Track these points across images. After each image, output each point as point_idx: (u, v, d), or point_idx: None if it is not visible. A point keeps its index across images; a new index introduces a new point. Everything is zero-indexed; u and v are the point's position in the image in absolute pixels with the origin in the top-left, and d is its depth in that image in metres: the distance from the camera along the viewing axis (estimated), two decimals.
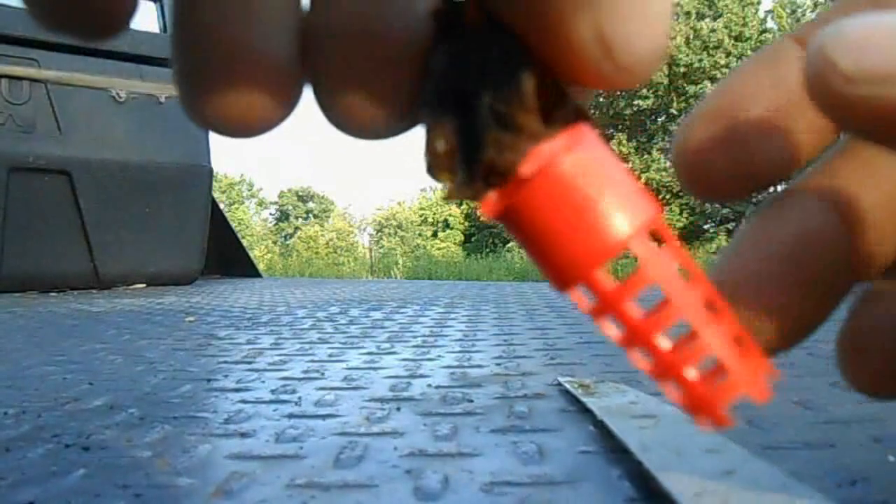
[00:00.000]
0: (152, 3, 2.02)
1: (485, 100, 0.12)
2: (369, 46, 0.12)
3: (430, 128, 0.13)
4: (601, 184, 0.13)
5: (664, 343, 0.13)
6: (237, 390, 0.49)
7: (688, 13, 14.56)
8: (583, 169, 0.13)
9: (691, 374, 0.13)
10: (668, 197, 13.91)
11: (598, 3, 0.12)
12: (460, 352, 0.64)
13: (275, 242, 19.56)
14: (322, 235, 18.70)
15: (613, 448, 0.32)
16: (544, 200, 0.13)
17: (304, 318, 1.00)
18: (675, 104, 14.58)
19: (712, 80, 14.15)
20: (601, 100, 15.27)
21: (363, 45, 0.12)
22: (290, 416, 0.40)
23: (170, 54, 0.13)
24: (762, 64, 0.19)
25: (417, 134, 0.14)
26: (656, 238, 0.13)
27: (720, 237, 12.50)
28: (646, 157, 14.73)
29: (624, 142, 15.05)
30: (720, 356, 0.13)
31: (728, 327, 0.14)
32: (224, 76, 0.12)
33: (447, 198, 0.13)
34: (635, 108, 14.85)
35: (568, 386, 0.45)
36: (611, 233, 0.13)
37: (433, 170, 0.13)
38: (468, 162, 0.13)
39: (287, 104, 0.13)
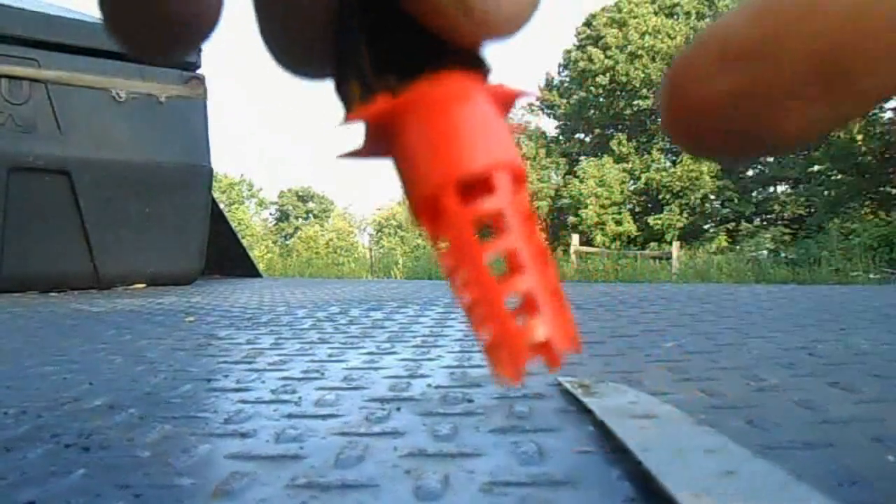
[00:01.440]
0: None
1: (361, 44, 0.15)
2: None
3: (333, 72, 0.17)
4: (463, 120, 0.15)
5: (491, 270, 0.14)
6: (237, 390, 0.49)
7: (688, 13, 14.56)
8: (448, 104, 0.15)
9: (507, 303, 0.14)
10: (668, 197, 13.90)
11: None
12: (460, 352, 0.64)
13: (275, 242, 19.54)
14: (322, 235, 18.68)
15: (613, 448, 0.32)
16: (411, 126, 0.15)
17: (304, 318, 1.00)
18: None
19: None
20: (601, 100, 15.27)
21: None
22: (290, 416, 0.40)
23: None
24: None
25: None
26: (514, 181, 0.15)
27: (720, 237, 12.50)
28: (646, 157, 14.72)
29: (624, 142, 15.05)
30: (535, 295, 0.14)
31: (551, 278, 0.15)
32: None
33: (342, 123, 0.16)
34: (635, 108, 14.84)
35: (568, 386, 0.45)
36: (463, 161, 0.14)
37: (338, 95, 0.17)
38: (351, 92, 0.16)
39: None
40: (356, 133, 0.16)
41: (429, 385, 0.49)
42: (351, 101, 0.16)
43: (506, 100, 0.16)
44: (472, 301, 0.15)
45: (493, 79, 0.16)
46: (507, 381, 0.14)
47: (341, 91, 0.17)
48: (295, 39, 0.17)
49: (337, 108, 0.17)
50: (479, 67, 0.16)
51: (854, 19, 0.13)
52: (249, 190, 22.47)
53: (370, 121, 0.15)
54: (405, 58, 0.15)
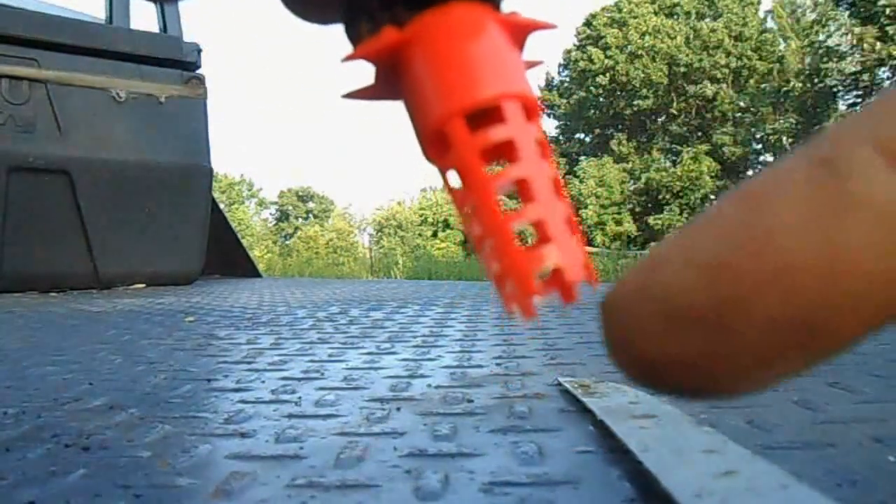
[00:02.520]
0: (152, 4, 2.02)
1: None
2: None
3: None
4: (471, 49, 0.14)
5: (498, 199, 0.14)
6: (237, 390, 0.49)
7: (688, 13, 14.55)
8: (456, 34, 0.14)
9: (516, 231, 0.14)
10: (668, 197, 13.90)
11: None
12: (460, 352, 0.64)
13: (275, 242, 19.56)
14: (322, 235, 18.69)
15: (613, 448, 0.32)
16: (418, 58, 0.14)
17: (304, 318, 1.00)
18: (675, 104, 14.57)
19: (712, 80, 14.14)
20: (601, 100, 15.27)
21: None
22: (290, 416, 0.40)
23: None
24: None
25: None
26: (526, 112, 0.14)
27: None
28: (646, 157, 14.72)
29: (624, 142, 15.05)
30: (548, 224, 0.14)
31: (564, 209, 0.14)
32: None
33: (346, 59, 0.16)
34: (635, 108, 14.84)
35: (568, 386, 0.45)
36: (471, 90, 0.14)
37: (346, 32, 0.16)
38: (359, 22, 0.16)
39: None
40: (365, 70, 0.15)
41: (429, 385, 0.49)
42: (361, 40, 0.16)
43: (519, 30, 0.15)
44: (482, 233, 0.14)
45: (506, 7, 0.15)
46: (519, 316, 0.14)
47: (351, 33, 0.16)
48: None
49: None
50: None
51: (834, 272, 0.10)
52: (249, 190, 22.47)
53: (376, 56, 0.15)
54: None
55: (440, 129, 0.14)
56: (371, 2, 0.15)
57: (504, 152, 0.14)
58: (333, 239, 18.46)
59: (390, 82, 0.15)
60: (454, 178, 0.15)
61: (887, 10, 9.78)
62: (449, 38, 0.14)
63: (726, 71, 14.12)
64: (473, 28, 0.14)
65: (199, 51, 2.05)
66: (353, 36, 0.16)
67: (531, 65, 0.16)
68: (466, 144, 0.14)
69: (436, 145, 0.15)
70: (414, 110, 0.15)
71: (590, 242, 12.10)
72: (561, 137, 16.70)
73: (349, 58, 0.15)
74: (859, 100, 11.00)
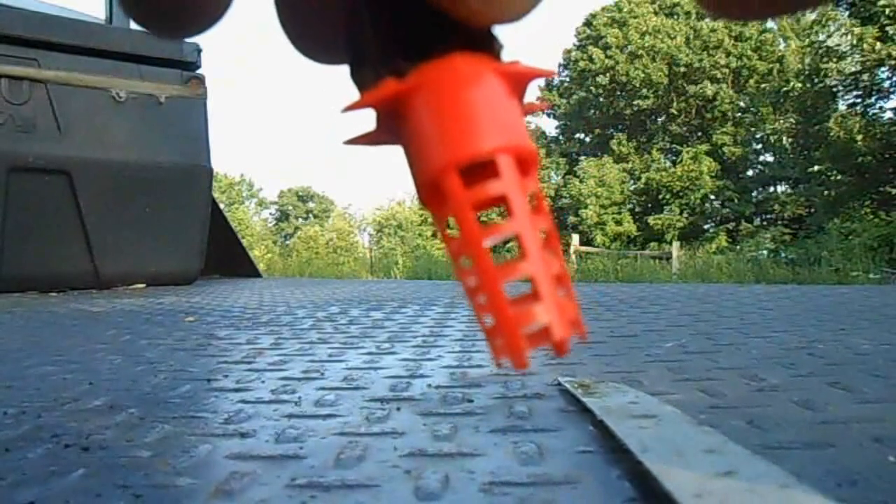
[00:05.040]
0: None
1: (371, 28, 0.15)
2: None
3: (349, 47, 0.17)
4: (468, 101, 0.14)
5: (491, 255, 0.14)
6: (237, 390, 0.49)
7: (688, 13, 14.55)
8: (454, 86, 0.14)
9: (506, 289, 0.14)
10: (668, 197, 13.90)
11: None
12: (460, 352, 0.64)
13: (275, 242, 19.54)
14: (322, 235, 18.68)
15: (613, 448, 0.32)
16: (417, 109, 0.15)
17: (304, 318, 1.00)
18: (675, 104, 14.57)
19: (712, 80, 14.13)
20: (601, 100, 15.27)
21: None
22: (290, 416, 0.40)
23: None
24: None
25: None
26: (522, 164, 0.15)
27: (720, 237, 12.49)
28: (646, 157, 14.72)
29: (624, 142, 15.04)
30: (538, 281, 0.14)
31: (554, 264, 0.15)
32: None
33: (347, 108, 0.16)
34: (635, 108, 14.84)
35: (568, 386, 0.45)
36: (466, 143, 0.14)
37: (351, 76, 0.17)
38: (364, 70, 0.16)
39: None
40: (366, 120, 0.16)
41: (429, 385, 0.49)
42: (364, 87, 0.16)
43: (520, 79, 0.15)
44: (475, 286, 0.14)
45: (508, 57, 0.16)
46: (509, 367, 0.14)
47: (355, 76, 0.17)
48: (311, 26, 0.17)
49: (347, 96, 0.17)
50: (490, 47, 0.15)
51: None
52: (249, 190, 22.47)
53: (376, 106, 0.15)
54: (414, 40, 0.15)
55: (435, 181, 0.14)
56: (373, 51, 0.15)
57: (500, 201, 0.14)
58: (333, 239, 18.45)
59: (391, 128, 0.15)
60: (450, 228, 0.15)
61: (887, 10, 9.77)
62: (447, 91, 0.14)
63: (726, 71, 14.12)
64: (472, 80, 0.15)
65: (199, 51, 2.05)
66: (357, 80, 0.16)
67: (535, 108, 0.16)
68: (460, 199, 0.14)
69: (432, 195, 0.15)
70: (411, 158, 0.15)
71: (589, 242, 12.09)
72: (561, 137, 16.69)
73: (350, 107, 0.15)
74: (859, 100, 11.00)
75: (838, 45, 11.01)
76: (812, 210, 12.26)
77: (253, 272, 2.53)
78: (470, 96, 0.14)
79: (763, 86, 13.80)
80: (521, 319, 0.14)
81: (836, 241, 6.60)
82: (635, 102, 14.75)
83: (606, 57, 14.82)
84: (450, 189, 0.14)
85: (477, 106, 0.14)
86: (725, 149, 13.89)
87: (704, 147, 13.99)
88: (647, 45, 14.34)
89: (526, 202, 0.14)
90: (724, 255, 6.88)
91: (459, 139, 0.14)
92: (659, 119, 15.12)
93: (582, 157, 15.58)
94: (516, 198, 0.14)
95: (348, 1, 0.16)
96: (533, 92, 0.16)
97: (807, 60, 12.17)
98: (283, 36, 0.17)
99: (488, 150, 0.14)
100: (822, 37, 11.35)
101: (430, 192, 0.15)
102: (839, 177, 11.17)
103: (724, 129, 14.13)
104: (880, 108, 11.07)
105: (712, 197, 13.89)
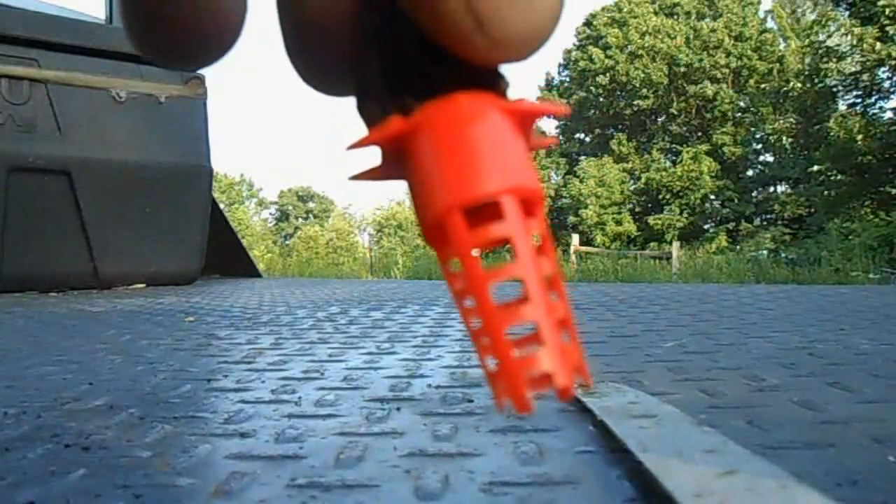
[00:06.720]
0: None
1: (378, 65, 0.15)
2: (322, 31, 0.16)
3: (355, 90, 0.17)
4: (472, 141, 0.14)
5: (494, 299, 0.14)
6: (237, 390, 0.49)
7: (688, 13, 14.55)
8: (458, 125, 0.14)
9: (508, 335, 0.14)
10: (668, 197, 13.89)
11: None
12: (460, 352, 0.64)
13: (275, 242, 19.56)
14: (322, 235, 18.68)
15: (613, 448, 0.32)
16: (422, 148, 0.14)
17: (304, 318, 1.00)
18: (675, 104, 14.57)
19: (712, 80, 14.13)
20: (601, 100, 15.27)
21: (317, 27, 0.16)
22: (290, 416, 0.40)
23: None
24: None
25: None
26: (527, 205, 0.14)
27: (720, 237, 12.49)
28: (646, 157, 14.72)
29: (624, 142, 15.04)
30: (541, 328, 0.14)
31: (558, 309, 0.14)
32: None
33: (352, 147, 0.16)
34: (635, 108, 14.84)
35: None
36: (470, 185, 0.14)
37: (358, 111, 0.17)
38: (371, 109, 0.16)
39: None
40: (371, 152, 0.16)
41: (429, 385, 0.49)
42: (370, 122, 0.16)
43: (526, 117, 0.15)
44: (478, 329, 0.14)
45: (513, 95, 0.15)
46: (512, 410, 0.14)
47: (362, 111, 0.17)
48: (319, 59, 0.17)
49: (349, 119, 0.17)
50: (495, 85, 0.15)
51: None
52: (249, 190, 22.47)
53: (381, 144, 0.15)
54: (420, 78, 0.15)
55: (439, 222, 0.14)
56: (380, 88, 0.15)
57: (505, 242, 0.14)
58: (333, 239, 18.46)
59: (396, 165, 0.15)
60: (453, 268, 0.15)
61: (887, 10, 9.77)
62: (451, 130, 0.14)
63: (726, 71, 14.11)
64: (476, 119, 0.14)
65: None
66: (364, 114, 0.17)
67: (542, 144, 0.16)
68: (463, 241, 0.14)
69: (435, 235, 0.15)
70: (415, 197, 0.15)
71: (589, 242, 12.08)
72: (561, 137, 16.69)
73: (356, 145, 0.15)
74: (859, 100, 10.99)
75: (838, 45, 11.00)
76: (812, 210, 12.25)
77: (253, 272, 2.53)
78: (474, 136, 0.14)
79: (763, 86, 13.80)
80: (523, 365, 0.14)
81: (836, 241, 6.60)
82: (635, 102, 14.75)
83: (606, 57, 14.82)
84: (453, 231, 0.14)
85: (481, 146, 0.14)
86: (725, 149, 13.88)
87: (704, 147, 13.99)
88: (647, 45, 14.33)
89: (531, 244, 0.14)
90: (724, 255, 6.89)
91: (463, 180, 0.14)
92: (659, 119, 15.12)
93: (582, 157, 15.57)
94: (521, 240, 0.14)
95: (356, 36, 0.16)
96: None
97: (807, 60, 12.18)
98: (292, 68, 0.17)
99: (492, 191, 0.14)
100: (822, 37, 11.34)
101: (434, 232, 0.15)
102: (839, 177, 11.17)
103: (724, 129, 14.13)
104: (880, 108, 11.07)
105: (712, 197, 13.88)
